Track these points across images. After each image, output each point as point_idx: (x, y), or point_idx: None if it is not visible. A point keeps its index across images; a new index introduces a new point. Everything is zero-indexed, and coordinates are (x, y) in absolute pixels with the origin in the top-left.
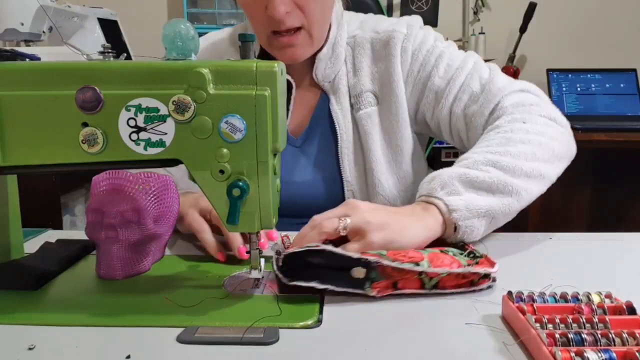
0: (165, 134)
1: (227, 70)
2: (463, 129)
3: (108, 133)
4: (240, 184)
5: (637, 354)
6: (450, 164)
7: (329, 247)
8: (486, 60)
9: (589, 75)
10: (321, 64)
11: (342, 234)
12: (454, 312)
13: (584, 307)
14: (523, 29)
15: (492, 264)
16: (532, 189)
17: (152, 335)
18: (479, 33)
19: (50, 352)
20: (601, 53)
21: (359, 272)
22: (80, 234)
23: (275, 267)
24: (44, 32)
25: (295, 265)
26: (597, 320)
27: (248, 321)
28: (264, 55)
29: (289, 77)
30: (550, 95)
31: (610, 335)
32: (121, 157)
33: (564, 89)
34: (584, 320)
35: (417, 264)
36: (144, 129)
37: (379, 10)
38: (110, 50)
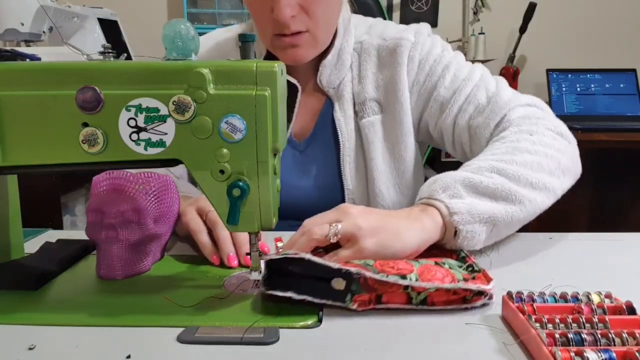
0: (166, 134)
1: (227, 70)
2: (466, 140)
3: (108, 133)
4: (241, 184)
5: (636, 354)
6: (449, 164)
7: (308, 256)
8: (486, 61)
9: (588, 75)
10: (325, 70)
11: (333, 240)
12: (454, 311)
13: (584, 307)
14: (523, 29)
15: (488, 280)
16: (537, 200)
17: (152, 335)
18: (479, 33)
19: (50, 352)
20: (601, 53)
21: (338, 284)
22: (80, 234)
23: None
24: (44, 32)
25: (274, 272)
26: (597, 320)
27: (248, 321)
28: (269, 57)
29: (295, 81)
30: (550, 95)
31: (610, 335)
32: (121, 157)
33: (564, 89)
34: (584, 320)
35: (403, 276)
36: (144, 129)
37: (379, 10)
38: (110, 50)
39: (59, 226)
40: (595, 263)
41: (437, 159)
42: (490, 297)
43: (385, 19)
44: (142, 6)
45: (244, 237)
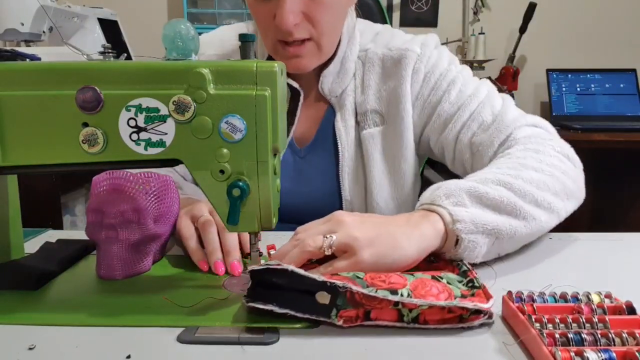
0: (166, 134)
1: (227, 70)
2: (468, 158)
3: (108, 133)
4: (241, 184)
5: (636, 353)
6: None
7: (291, 267)
8: (486, 61)
9: (588, 75)
10: (327, 79)
11: (327, 253)
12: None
13: (584, 307)
14: (523, 29)
15: (488, 299)
16: (541, 219)
17: (152, 335)
18: (479, 33)
19: (50, 352)
20: (601, 53)
21: (323, 297)
22: (80, 234)
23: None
24: (44, 32)
25: (257, 284)
26: (597, 320)
27: (248, 321)
28: (271, 59)
29: (297, 86)
30: (550, 95)
31: (610, 335)
32: (121, 157)
33: (564, 89)
34: (584, 320)
35: (394, 292)
36: (144, 129)
37: (379, 10)
38: (110, 50)
39: (59, 226)
40: (595, 263)
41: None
42: (490, 317)
43: (385, 19)
44: (142, 6)
45: (232, 244)
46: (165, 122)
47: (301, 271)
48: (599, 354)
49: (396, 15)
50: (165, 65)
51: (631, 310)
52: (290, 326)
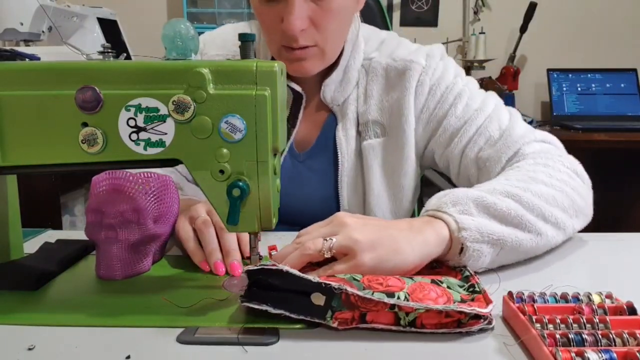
0: (165, 134)
1: (227, 70)
2: (474, 173)
3: (108, 133)
4: (240, 184)
5: (637, 354)
6: None
7: (287, 267)
8: (486, 60)
9: (589, 75)
10: (329, 88)
11: (327, 255)
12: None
13: (585, 308)
14: (523, 29)
15: (487, 303)
16: (548, 234)
17: (152, 335)
18: (479, 33)
19: (50, 352)
20: (601, 53)
21: (318, 299)
22: (80, 234)
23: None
24: (43, 31)
25: (253, 284)
26: (597, 320)
27: (248, 322)
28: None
29: (300, 89)
30: (550, 95)
31: (611, 336)
32: (121, 157)
33: (564, 88)
34: (585, 321)
35: (391, 294)
36: (144, 129)
37: (379, 10)
38: (110, 50)
39: (58, 226)
40: (596, 263)
41: None
42: (490, 322)
43: (385, 18)
44: (142, 6)
45: (232, 244)
46: (164, 122)
47: (296, 272)
48: (600, 355)
49: (396, 15)
50: (165, 65)
51: (632, 310)
52: (290, 327)
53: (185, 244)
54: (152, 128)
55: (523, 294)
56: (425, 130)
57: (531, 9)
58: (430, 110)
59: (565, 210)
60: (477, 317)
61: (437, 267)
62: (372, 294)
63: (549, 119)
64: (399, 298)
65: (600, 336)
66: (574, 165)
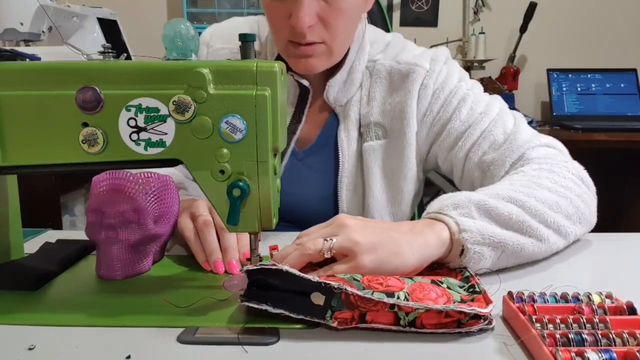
0: (166, 134)
1: (227, 70)
2: (478, 176)
3: (108, 133)
4: (241, 184)
5: (637, 354)
6: None
7: (286, 267)
8: (486, 60)
9: (589, 75)
10: (333, 89)
11: (327, 256)
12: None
13: (585, 308)
14: (523, 29)
15: (487, 303)
16: (550, 240)
17: (152, 335)
18: (479, 33)
19: (50, 352)
20: (601, 53)
21: (317, 298)
22: (80, 234)
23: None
24: (43, 31)
25: (253, 284)
26: (597, 320)
27: (248, 322)
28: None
29: (307, 84)
30: (550, 95)
31: (611, 336)
32: (121, 157)
33: (564, 89)
34: (585, 321)
35: (390, 294)
36: (144, 129)
37: (379, 10)
38: (110, 50)
39: (58, 226)
40: (596, 263)
41: None
42: (490, 322)
43: (385, 18)
44: (142, 6)
45: (231, 243)
46: (165, 122)
47: (296, 272)
48: (600, 354)
49: (396, 15)
50: (165, 65)
51: (632, 310)
52: (290, 327)
53: (189, 243)
54: (152, 128)
55: (523, 294)
56: (429, 134)
57: (531, 9)
58: (434, 114)
59: (569, 217)
60: (477, 317)
61: (437, 268)
62: (372, 293)
63: (549, 119)
64: (398, 298)
65: (600, 336)
66: (579, 171)
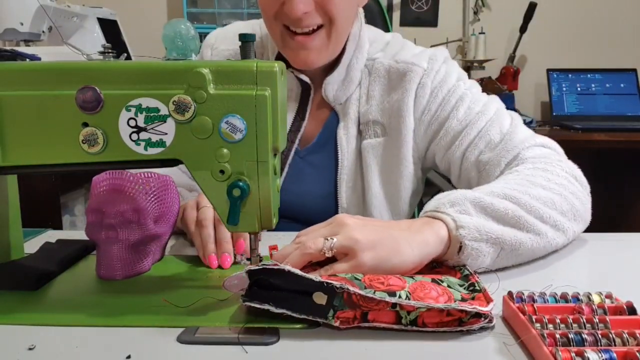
0: (166, 134)
1: (227, 70)
2: (474, 176)
3: (108, 133)
4: (241, 184)
5: (637, 354)
6: None
7: (288, 267)
8: (486, 60)
9: (589, 75)
10: (330, 87)
11: (328, 255)
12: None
13: (585, 307)
14: (523, 29)
15: (488, 302)
16: (548, 234)
17: (152, 335)
18: (479, 33)
19: (50, 352)
20: (601, 53)
21: (319, 298)
22: (80, 234)
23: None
24: (43, 32)
25: (254, 283)
26: (597, 320)
27: (248, 322)
28: (279, 59)
29: (308, 80)
30: (550, 95)
31: (611, 336)
32: (121, 157)
33: (564, 89)
34: (585, 321)
35: (392, 293)
36: (144, 129)
37: (379, 10)
38: (110, 50)
39: (58, 226)
40: (596, 263)
41: None
42: (490, 321)
43: (385, 18)
44: (142, 6)
45: (224, 236)
46: (165, 122)
47: (298, 271)
48: (600, 354)
49: (396, 15)
50: (165, 65)
51: (632, 310)
52: (290, 326)
53: (191, 235)
54: (152, 128)
55: (523, 294)
56: (427, 133)
57: (531, 9)
58: (431, 113)
59: (564, 213)
60: (478, 315)
61: (436, 267)
62: (374, 292)
63: (549, 119)
64: (400, 297)
65: (600, 336)
66: (573, 170)
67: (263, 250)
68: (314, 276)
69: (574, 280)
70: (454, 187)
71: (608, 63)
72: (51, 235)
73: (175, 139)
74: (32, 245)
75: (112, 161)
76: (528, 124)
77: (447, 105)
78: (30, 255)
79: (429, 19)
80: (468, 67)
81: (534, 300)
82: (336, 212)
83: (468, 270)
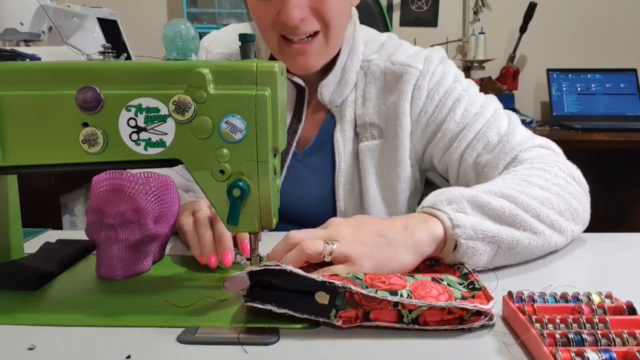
0: (166, 134)
1: (227, 70)
2: (473, 178)
3: (108, 133)
4: (241, 184)
5: (637, 354)
6: None
7: (290, 267)
8: (486, 60)
9: (589, 75)
10: (326, 90)
11: (327, 259)
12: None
13: (584, 307)
14: (523, 29)
15: (488, 300)
16: (545, 233)
17: (152, 335)
18: (479, 33)
19: (50, 352)
20: (601, 53)
21: (322, 297)
22: (80, 234)
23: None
24: (43, 32)
25: (256, 284)
26: (597, 320)
27: (248, 322)
28: (273, 59)
29: (302, 83)
30: (550, 95)
31: (611, 336)
32: (121, 157)
33: (564, 89)
34: (584, 321)
35: (394, 292)
36: (144, 129)
37: (379, 10)
38: (110, 50)
39: (58, 226)
40: (595, 263)
41: None
42: (491, 318)
43: (385, 18)
44: (142, 6)
45: (224, 231)
46: (165, 122)
47: (300, 271)
48: (600, 354)
49: (396, 15)
50: (165, 65)
51: (632, 310)
52: (290, 326)
53: (186, 235)
54: (152, 128)
55: (523, 294)
56: (424, 135)
57: (531, 9)
58: (428, 115)
59: (562, 213)
60: (479, 313)
61: (435, 265)
62: (376, 292)
63: (549, 119)
64: (402, 296)
65: (600, 336)
66: (572, 170)
67: (263, 250)
68: (316, 276)
69: (574, 280)
70: None
71: (608, 63)
72: (51, 235)
73: (175, 139)
74: (32, 245)
75: (112, 161)
76: (528, 124)
77: (444, 107)
78: (30, 255)
79: (429, 19)
80: (468, 67)
81: (533, 300)
82: (334, 215)
83: (467, 268)
